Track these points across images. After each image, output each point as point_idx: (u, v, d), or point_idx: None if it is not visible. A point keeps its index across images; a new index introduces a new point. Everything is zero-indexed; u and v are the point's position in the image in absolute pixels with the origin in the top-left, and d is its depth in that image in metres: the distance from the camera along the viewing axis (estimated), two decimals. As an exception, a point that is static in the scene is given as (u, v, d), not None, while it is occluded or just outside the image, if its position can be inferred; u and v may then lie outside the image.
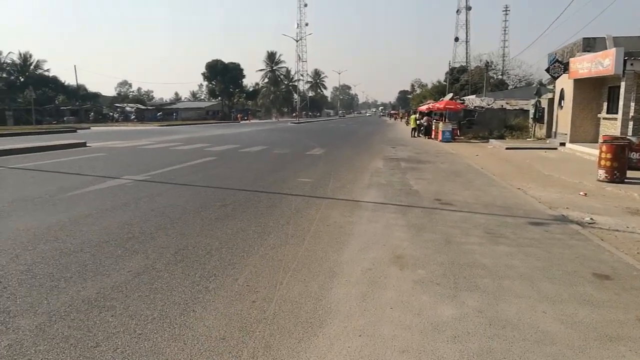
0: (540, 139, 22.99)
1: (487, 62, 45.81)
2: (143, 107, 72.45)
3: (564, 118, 19.82)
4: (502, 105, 31.04)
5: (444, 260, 4.92)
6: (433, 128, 27.79)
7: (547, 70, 19.86)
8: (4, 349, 3.04)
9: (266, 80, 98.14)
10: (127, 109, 69.26)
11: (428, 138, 27.73)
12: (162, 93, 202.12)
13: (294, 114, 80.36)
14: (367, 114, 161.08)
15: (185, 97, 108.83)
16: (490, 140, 24.19)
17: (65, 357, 2.95)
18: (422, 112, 34.78)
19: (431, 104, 35.49)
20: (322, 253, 5.12)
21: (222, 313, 3.60)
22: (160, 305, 3.71)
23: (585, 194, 9.13)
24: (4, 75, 58.77)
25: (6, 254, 4.90)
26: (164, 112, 70.24)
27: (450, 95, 41.78)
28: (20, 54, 59.76)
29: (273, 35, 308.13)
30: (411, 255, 5.10)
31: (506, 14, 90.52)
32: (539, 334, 3.35)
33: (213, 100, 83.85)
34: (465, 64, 70.67)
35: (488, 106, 30.82)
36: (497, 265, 4.80)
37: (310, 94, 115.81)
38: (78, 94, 64.89)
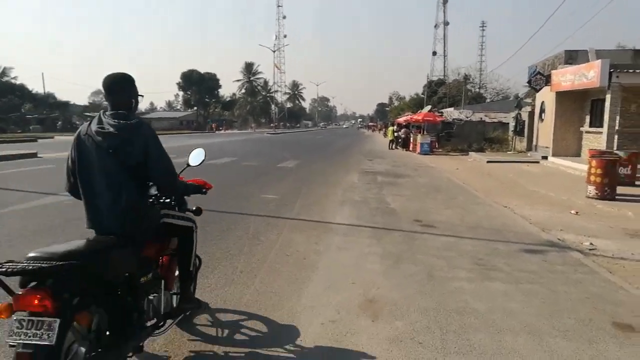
0: (521, 152, 22.46)
1: (466, 75, 45.77)
2: (115, 117, 70.33)
3: (545, 131, 19.28)
4: (481, 118, 30.63)
5: (428, 304, 3.93)
6: (411, 140, 27.12)
7: (529, 82, 19.31)
8: None
9: (243, 90, 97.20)
10: (99, 118, 67.16)
11: (406, 150, 27.02)
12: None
13: (271, 125, 79.29)
14: (345, 126, 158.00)
15: (161, 107, 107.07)
16: (470, 153, 23.57)
17: None
18: (400, 125, 34.12)
19: (409, 116, 34.90)
20: (276, 297, 4.05)
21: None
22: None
23: (577, 212, 8.37)
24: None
25: None
26: (136, 122, 68.32)
27: (429, 107, 41.45)
28: (-17, 62, 57.70)
29: (252, 47, 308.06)
30: (387, 297, 4.09)
31: (483, 30, 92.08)
32: None
33: (189, 110, 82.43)
34: (443, 77, 70.81)
35: (467, 119, 30.40)
36: (493, 310, 3.84)
37: (289, 105, 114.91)
38: (46, 102, 62.60)
